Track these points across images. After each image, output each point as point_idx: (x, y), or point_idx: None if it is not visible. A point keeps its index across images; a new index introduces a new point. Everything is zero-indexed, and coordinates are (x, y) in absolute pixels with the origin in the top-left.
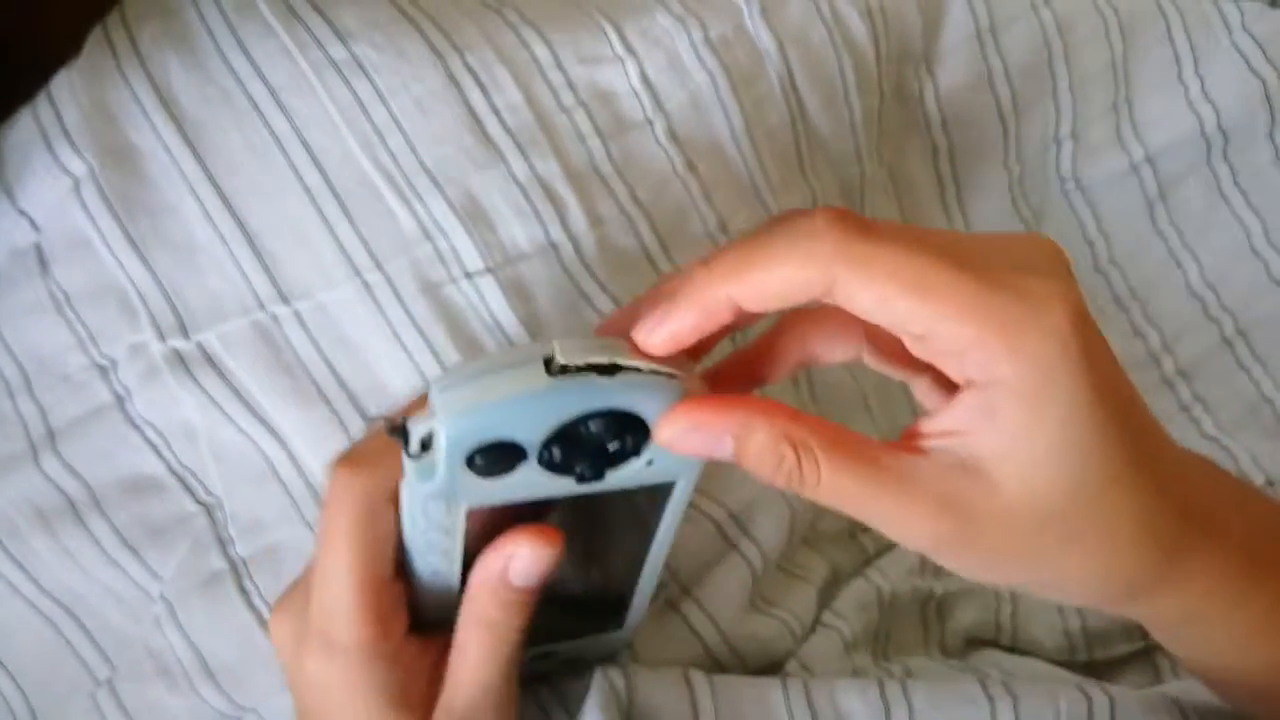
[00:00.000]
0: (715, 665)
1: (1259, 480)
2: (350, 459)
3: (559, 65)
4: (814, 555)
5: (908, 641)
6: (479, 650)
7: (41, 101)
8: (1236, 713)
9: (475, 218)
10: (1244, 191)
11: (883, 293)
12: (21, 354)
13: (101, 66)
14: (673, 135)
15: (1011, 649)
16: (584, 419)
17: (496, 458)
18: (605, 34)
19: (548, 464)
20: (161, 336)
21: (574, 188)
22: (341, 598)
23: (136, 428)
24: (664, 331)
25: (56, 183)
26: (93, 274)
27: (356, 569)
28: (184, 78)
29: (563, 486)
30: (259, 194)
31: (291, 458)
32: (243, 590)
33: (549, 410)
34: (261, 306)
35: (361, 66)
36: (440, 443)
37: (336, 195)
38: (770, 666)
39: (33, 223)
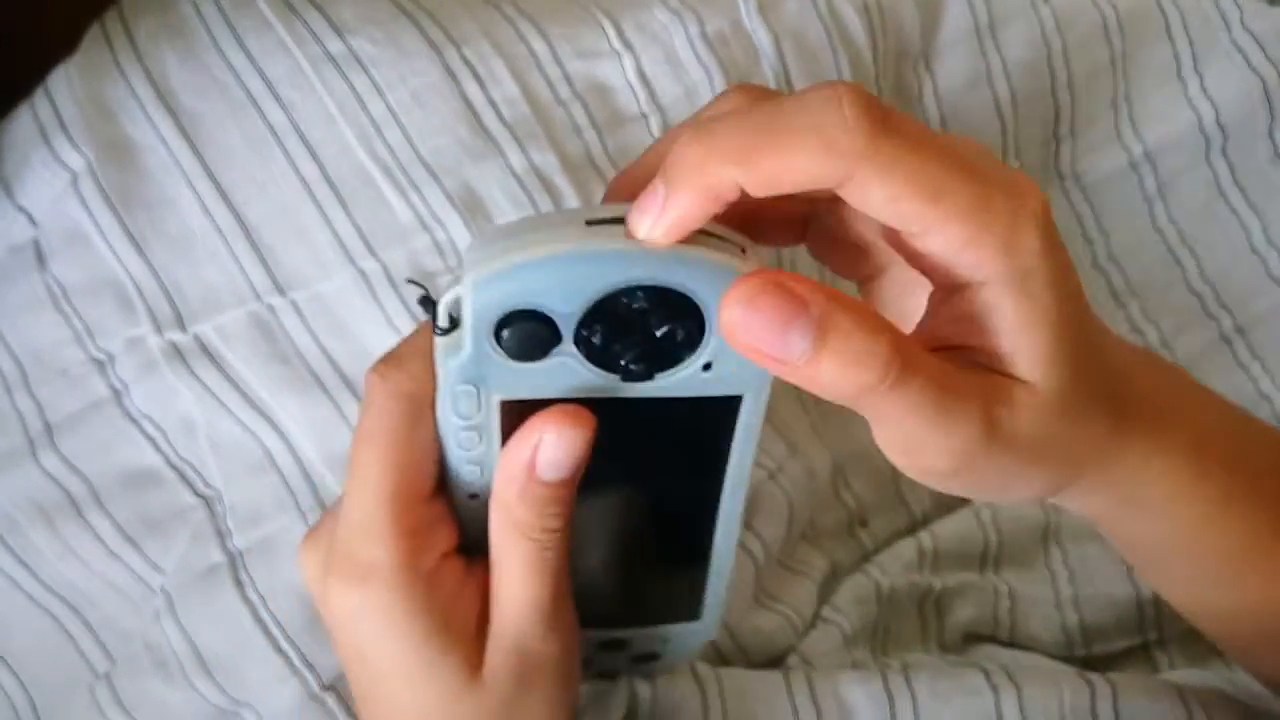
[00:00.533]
0: (720, 659)
1: None
2: (389, 358)
3: (556, 59)
4: (814, 551)
5: (906, 637)
6: (516, 561)
7: (39, 97)
8: (1234, 697)
9: (472, 208)
10: (1243, 189)
11: (896, 193)
12: (19, 349)
13: (99, 61)
14: (667, 129)
15: (1010, 645)
16: (627, 292)
17: (528, 334)
18: (603, 28)
19: (586, 350)
20: (159, 329)
21: (570, 179)
22: (369, 512)
23: (134, 421)
24: (669, 221)
25: (54, 178)
26: (90, 268)
27: (388, 479)
28: (181, 72)
29: (605, 384)
30: (256, 186)
31: (289, 447)
32: (238, 582)
33: (586, 276)
34: (258, 297)
35: (359, 60)
36: (466, 309)
37: (333, 187)
38: (772, 660)
39: (30, 218)
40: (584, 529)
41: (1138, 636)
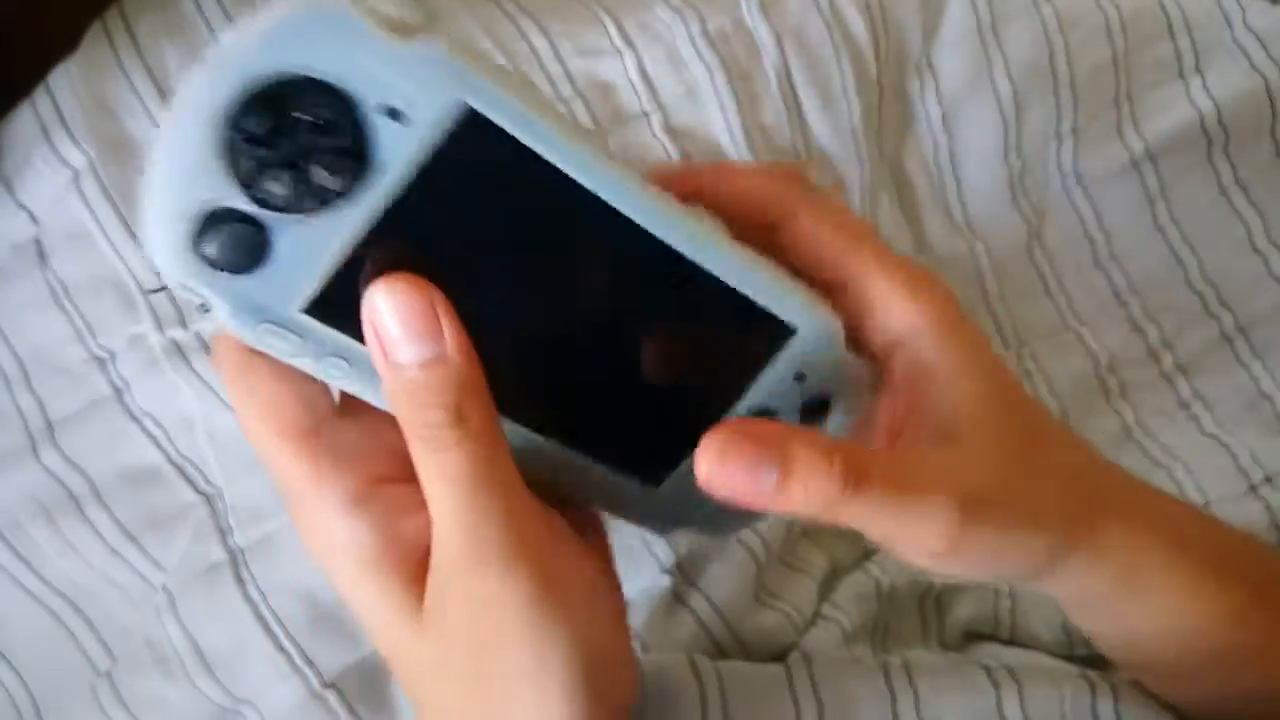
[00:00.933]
0: (720, 656)
1: (1258, 477)
2: None
3: (558, 57)
4: (814, 549)
5: (906, 635)
6: (432, 479)
7: (40, 95)
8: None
9: None
10: (1245, 188)
11: (823, 232)
12: (20, 347)
13: (100, 59)
14: (669, 128)
15: (1010, 643)
16: (235, 124)
17: (223, 240)
18: (604, 26)
19: (283, 206)
20: (160, 327)
21: None
22: (274, 458)
23: (135, 419)
24: None
25: (56, 175)
26: (92, 265)
27: (267, 418)
28: (182, 69)
29: (359, 212)
30: None
31: None
32: (239, 580)
33: (196, 141)
34: None
35: None
36: (167, 254)
37: None
38: (773, 658)
39: (32, 216)
40: (581, 346)
41: None
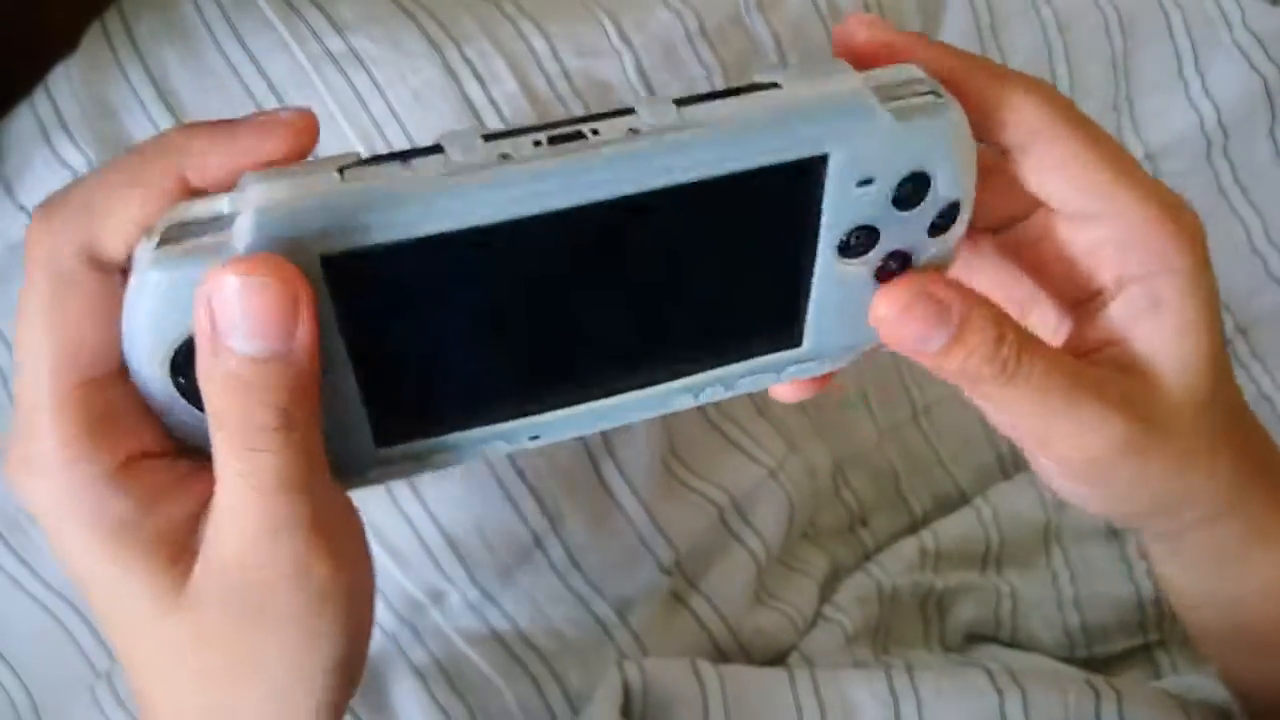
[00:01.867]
0: (721, 658)
1: None
2: (46, 206)
3: (556, 57)
4: (815, 550)
5: (908, 636)
6: (229, 474)
7: (39, 95)
8: (1236, 715)
9: None
10: (1244, 188)
11: (1077, 151)
12: None
13: (99, 60)
14: None
15: (1010, 645)
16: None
17: None
18: (602, 26)
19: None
20: None
21: None
22: (31, 394)
23: None
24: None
25: (55, 176)
26: None
27: (50, 357)
28: (181, 70)
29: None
30: None
31: None
32: None
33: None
34: None
35: (359, 59)
36: None
37: None
38: (774, 659)
39: (31, 218)
40: (668, 310)
41: (1139, 637)
